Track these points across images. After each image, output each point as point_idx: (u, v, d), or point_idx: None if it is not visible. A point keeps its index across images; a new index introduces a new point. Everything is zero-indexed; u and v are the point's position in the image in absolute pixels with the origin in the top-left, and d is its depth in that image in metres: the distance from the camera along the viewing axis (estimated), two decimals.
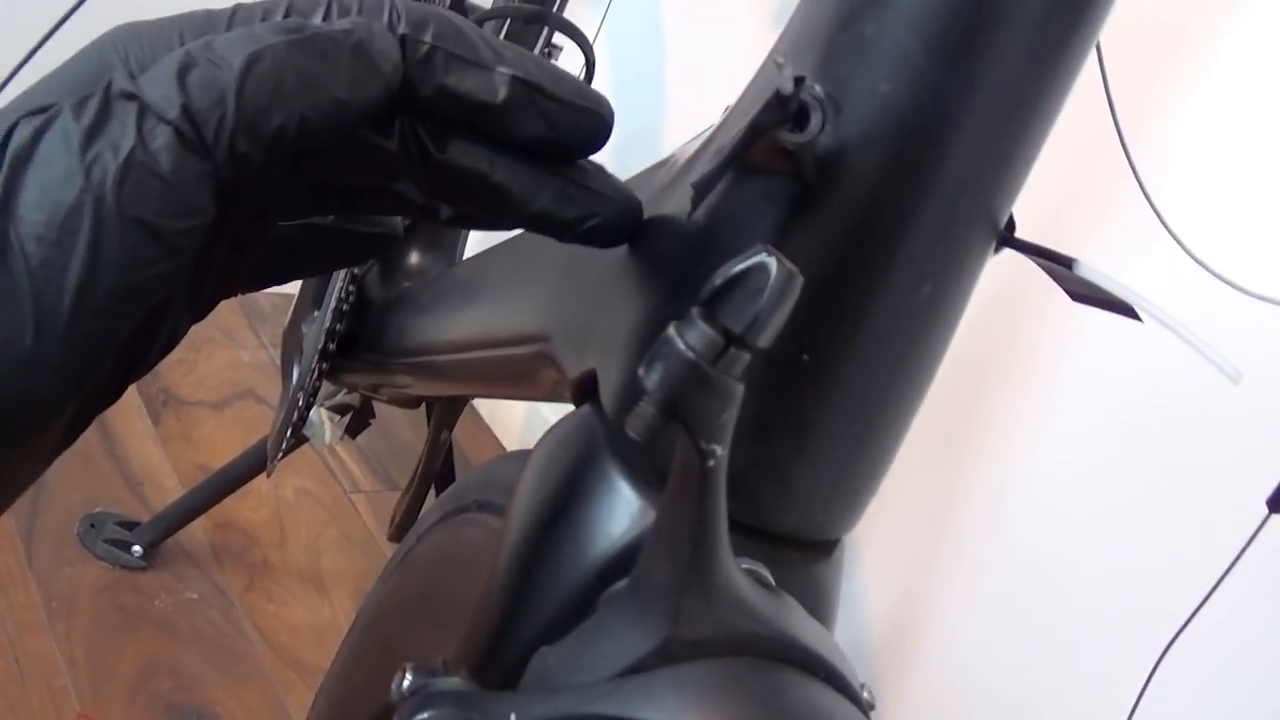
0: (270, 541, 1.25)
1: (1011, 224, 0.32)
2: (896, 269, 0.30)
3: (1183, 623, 0.52)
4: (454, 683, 0.30)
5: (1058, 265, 0.31)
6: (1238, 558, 0.47)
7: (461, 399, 1.04)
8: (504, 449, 1.60)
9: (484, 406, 1.63)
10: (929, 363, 0.32)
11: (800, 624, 0.30)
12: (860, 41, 0.29)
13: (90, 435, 1.26)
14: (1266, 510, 0.45)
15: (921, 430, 0.35)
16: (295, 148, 0.26)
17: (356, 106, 0.26)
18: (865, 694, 0.31)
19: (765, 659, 0.28)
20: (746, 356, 0.25)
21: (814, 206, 0.29)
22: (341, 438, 0.98)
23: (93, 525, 1.16)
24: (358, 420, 0.97)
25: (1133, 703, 0.59)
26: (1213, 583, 0.49)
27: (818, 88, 0.29)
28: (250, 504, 1.27)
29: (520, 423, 1.61)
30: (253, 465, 1.14)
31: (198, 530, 1.20)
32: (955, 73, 0.28)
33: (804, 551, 0.33)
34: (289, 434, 0.91)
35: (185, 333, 0.30)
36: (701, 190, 0.29)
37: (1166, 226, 0.36)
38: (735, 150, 0.27)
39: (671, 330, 0.25)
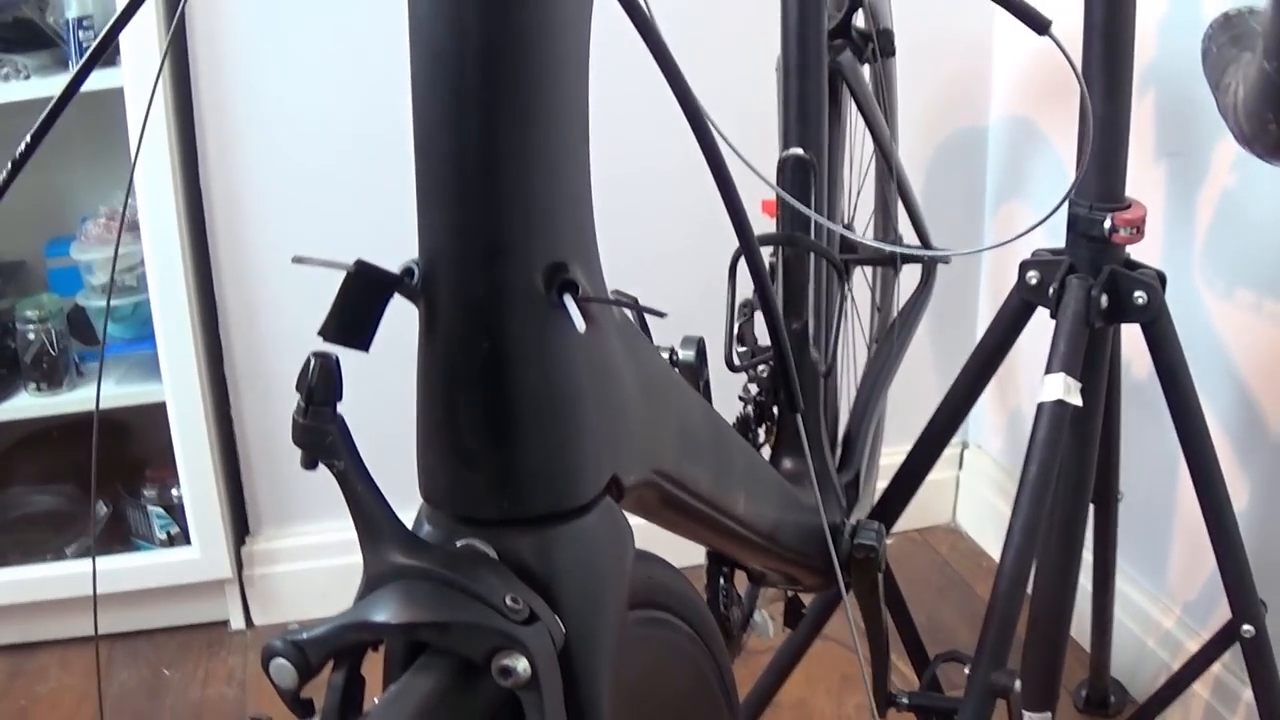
0: None
1: None
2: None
3: None
4: None
5: None
6: None
7: None
8: None
9: None
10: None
11: (458, 563, 0.49)
12: None
13: None
14: None
15: None
16: None
17: None
18: (509, 602, 0.48)
19: (414, 579, 0.49)
20: (325, 410, 0.49)
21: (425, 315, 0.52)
22: (784, 629, 1.18)
23: None
24: (790, 612, 1.16)
25: None
26: None
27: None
28: None
29: None
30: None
31: None
32: None
33: (524, 528, 0.52)
34: (744, 636, 1.14)
35: None
36: None
37: None
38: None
39: None
